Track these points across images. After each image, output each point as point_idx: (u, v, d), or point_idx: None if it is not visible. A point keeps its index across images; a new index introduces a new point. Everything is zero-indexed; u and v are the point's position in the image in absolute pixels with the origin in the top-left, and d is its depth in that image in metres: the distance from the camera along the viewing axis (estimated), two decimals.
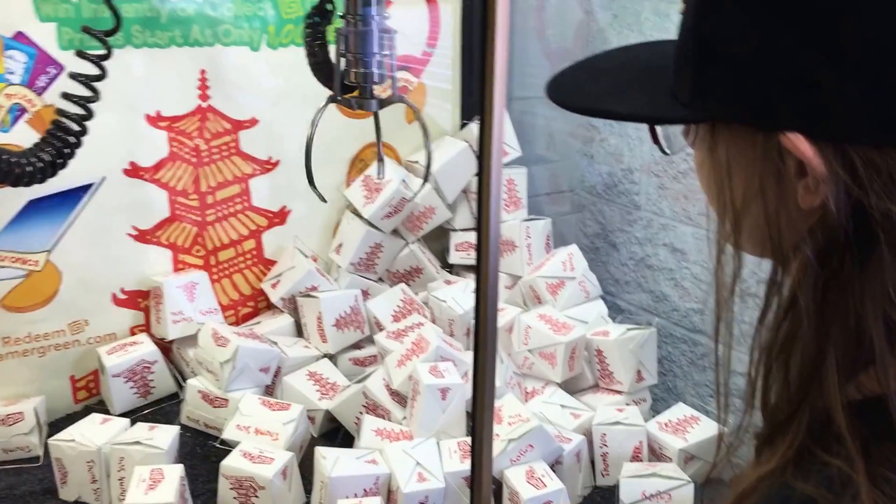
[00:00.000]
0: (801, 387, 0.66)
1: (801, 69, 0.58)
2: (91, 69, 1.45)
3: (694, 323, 1.90)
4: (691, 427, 1.61)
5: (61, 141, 1.39)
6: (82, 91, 1.43)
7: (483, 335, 1.09)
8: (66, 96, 1.42)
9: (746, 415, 0.71)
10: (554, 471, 1.50)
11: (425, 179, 1.65)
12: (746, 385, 0.70)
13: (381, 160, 1.60)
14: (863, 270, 0.60)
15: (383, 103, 1.49)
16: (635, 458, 1.61)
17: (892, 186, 0.58)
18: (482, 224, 1.07)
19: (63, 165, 1.40)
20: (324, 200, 1.55)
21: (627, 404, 1.74)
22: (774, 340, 0.68)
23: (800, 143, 0.60)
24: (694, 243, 1.87)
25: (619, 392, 1.77)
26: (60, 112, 1.41)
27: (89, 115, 1.42)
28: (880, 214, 0.58)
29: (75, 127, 1.41)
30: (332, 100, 1.49)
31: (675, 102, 0.68)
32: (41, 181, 1.37)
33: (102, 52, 1.43)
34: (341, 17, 1.42)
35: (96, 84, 1.44)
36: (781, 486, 0.64)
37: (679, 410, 1.68)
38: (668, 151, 0.78)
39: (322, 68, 1.56)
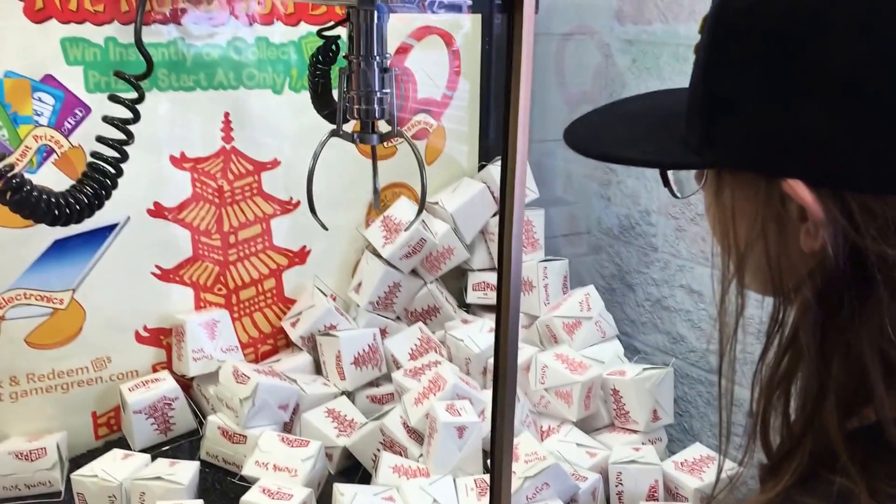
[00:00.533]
0: (804, 421, 0.68)
1: (803, 121, 0.62)
2: (124, 112, 1.48)
3: (711, 364, 1.91)
4: (707, 467, 1.61)
5: (98, 183, 1.42)
6: (117, 134, 1.47)
7: (503, 377, 1.11)
8: (102, 140, 1.45)
9: (749, 449, 0.73)
10: None
11: (420, 208, 1.67)
12: (748, 420, 0.72)
13: (376, 192, 1.63)
14: (861, 311, 0.63)
15: (383, 138, 1.53)
16: (651, 497, 1.60)
17: (888, 231, 0.61)
18: (503, 267, 1.09)
19: (100, 206, 1.43)
20: (325, 228, 1.58)
21: (643, 443, 1.73)
22: (774, 376, 0.70)
23: (799, 189, 0.63)
24: (711, 284, 1.88)
25: (634, 431, 1.77)
26: (96, 154, 1.44)
27: (124, 157, 1.45)
28: (876, 257, 0.61)
29: (111, 169, 1.44)
30: (333, 134, 1.53)
31: (685, 149, 0.72)
32: (78, 221, 1.40)
33: (135, 95, 1.47)
34: (344, 57, 1.47)
35: (130, 127, 1.48)
36: (785, 500, 0.66)
37: (695, 450, 1.68)
38: (678, 195, 0.81)
39: (326, 105, 1.61)
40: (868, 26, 0.59)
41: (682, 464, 1.63)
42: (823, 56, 0.60)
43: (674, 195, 0.81)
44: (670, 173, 0.81)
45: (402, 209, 1.97)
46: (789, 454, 0.68)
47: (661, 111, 0.79)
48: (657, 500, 1.60)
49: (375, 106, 1.49)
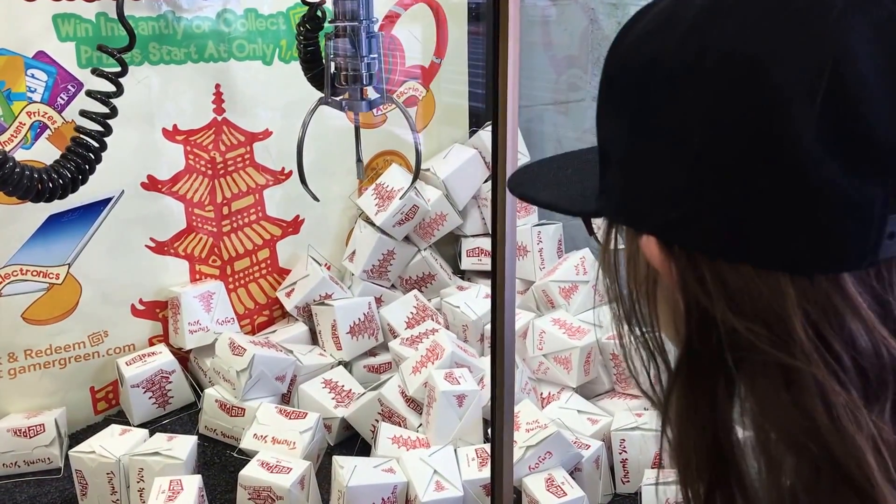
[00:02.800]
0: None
1: (661, 178, 0.58)
2: (107, 86, 1.47)
3: None
4: None
5: (81, 157, 1.41)
6: (100, 108, 1.46)
7: (501, 343, 1.11)
8: (85, 114, 1.44)
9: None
10: (573, 478, 1.50)
11: (416, 173, 1.67)
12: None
13: (359, 161, 1.63)
14: (712, 386, 0.59)
15: (372, 104, 1.52)
16: (656, 464, 1.58)
17: (737, 302, 0.56)
18: (497, 229, 1.08)
19: (83, 181, 1.42)
20: (316, 199, 1.59)
21: (645, 409, 1.72)
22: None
23: (650, 247, 0.59)
24: None
25: (636, 396, 1.76)
26: (79, 129, 1.43)
27: (107, 131, 1.44)
28: (726, 330, 0.56)
29: (94, 143, 1.43)
30: (322, 101, 1.52)
31: (592, 197, 0.68)
32: (62, 197, 1.39)
33: (118, 69, 1.46)
34: (330, 22, 1.46)
35: (113, 100, 1.46)
36: None
37: None
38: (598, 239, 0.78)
39: (316, 73, 1.60)
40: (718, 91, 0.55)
41: None
42: (679, 112, 0.56)
43: (594, 236, 0.78)
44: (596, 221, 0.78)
45: (394, 176, 1.96)
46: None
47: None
48: (663, 467, 1.58)
49: (363, 71, 1.48)
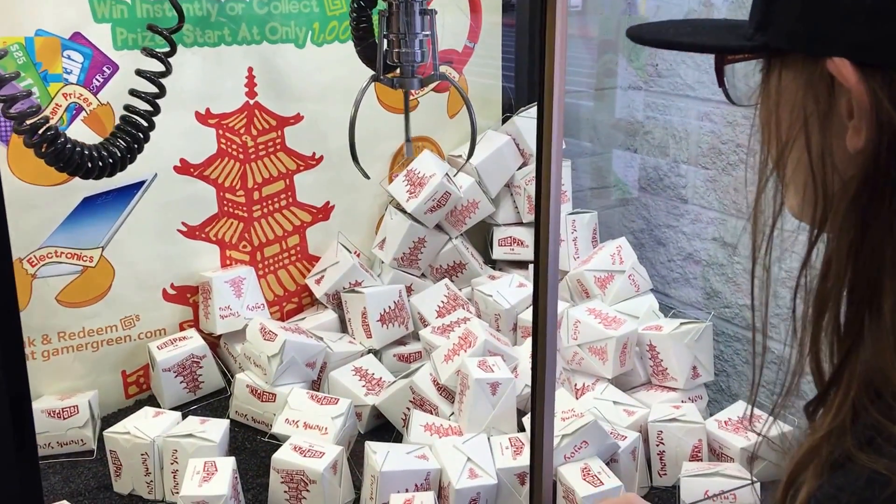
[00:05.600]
0: (847, 334, 0.62)
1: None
2: (157, 66, 1.47)
3: (747, 319, 1.87)
4: (754, 425, 1.57)
5: (131, 136, 1.41)
6: (148, 87, 1.46)
7: (542, 331, 1.09)
8: (134, 93, 1.43)
9: (795, 376, 0.66)
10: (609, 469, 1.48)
11: (471, 150, 1.65)
12: (793, 343, 0.66)
13: (408, 140, 1.62)
14: (889, 207, 0.58)
15: (424, 82, 1.51)
16: (694, 457, 1.56)
17: None
18: (541, 218, 1.07)
19: (132, 160, 1.42)
20: (367, 177, 1.58)
21: (683, 402, 1.69)
22: (821, 289, 0.64)
23: (844, 69, 0.58)
24: (745, 237, 1.84)
25: (673, 389, 1.73)
26: (129, 108, 1.43)
27: (157, 110, 1.44)
28: None
29: (144, 122, 1.43)
30: (374, 79, 1.51)
31: (740, 39, 0.68)
32: (110, 175, 1.40)
33: (167, 49, 1.45)
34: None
35: (162, 80, 1.46)
36: (845, 461, 0.59)
37: (739, 408, 1.63)
38: (734, 100, 0.77)
39: (368, 51, 1.59)
40: None
41: (725, 422, 1.59)
42: None
43: (728, 98, 0.76)
44: (728, 76, 0.75)
45: (426, 163, 1.94)
46: (835, 376, 0.62)
47: (732, 21, 0.75)
48: (701, 460, 1.56)
49: (416, 49, 1.47)
